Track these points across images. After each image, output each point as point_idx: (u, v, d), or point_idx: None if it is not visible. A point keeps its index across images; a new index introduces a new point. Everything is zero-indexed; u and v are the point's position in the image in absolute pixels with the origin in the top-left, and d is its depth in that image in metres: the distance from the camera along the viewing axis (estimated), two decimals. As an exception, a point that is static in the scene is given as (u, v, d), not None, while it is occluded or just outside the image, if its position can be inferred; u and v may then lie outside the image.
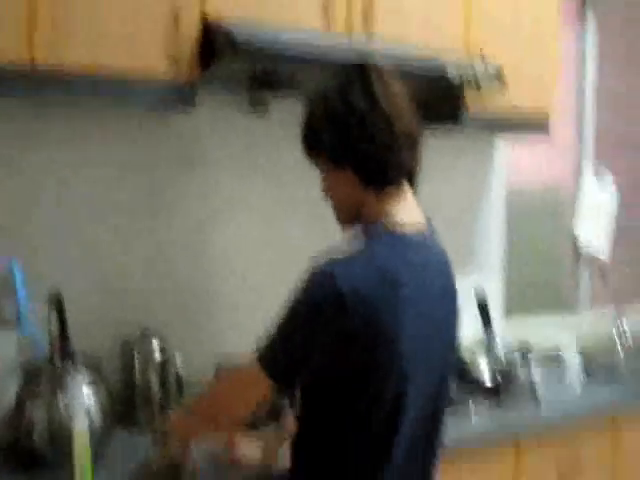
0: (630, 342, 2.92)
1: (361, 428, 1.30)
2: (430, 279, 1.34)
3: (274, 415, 1.80)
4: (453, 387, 1.49)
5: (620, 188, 3.14)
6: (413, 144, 1.34)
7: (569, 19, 3.06)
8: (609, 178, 3.13)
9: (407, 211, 1.35)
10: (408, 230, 1.32)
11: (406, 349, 1.27)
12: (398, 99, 1.32)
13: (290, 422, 1.62)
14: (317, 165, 1.39)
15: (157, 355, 1.88)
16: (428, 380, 1.34)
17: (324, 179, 1.40)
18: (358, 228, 1.35)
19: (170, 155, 2.08)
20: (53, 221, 1.92)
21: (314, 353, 1.27)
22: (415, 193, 1.39)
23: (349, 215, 1.39)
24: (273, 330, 1.31)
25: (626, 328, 2.94)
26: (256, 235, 2.24)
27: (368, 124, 1.28)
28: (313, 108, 1.36)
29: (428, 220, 1.40)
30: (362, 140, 1.29)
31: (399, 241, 1.31)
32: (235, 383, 1.44)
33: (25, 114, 1.85)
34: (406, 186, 1.36)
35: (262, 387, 1.32)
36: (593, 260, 3.16)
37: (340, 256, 1.26)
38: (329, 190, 1.40)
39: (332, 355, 1.26)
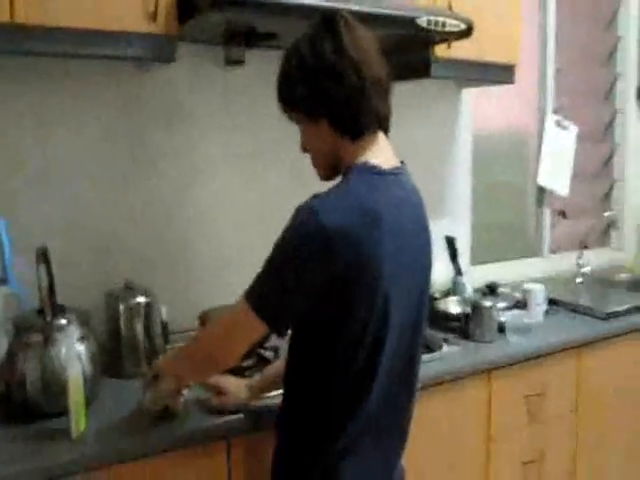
0: (589, 278, 3.09)
1: (343, 368, 1.33)
2: (406, 213, 1.37)
3: (259, 363, 1.88)
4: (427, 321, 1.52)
5: (579, 133, 3.24)
6: (383, 91, 1.37)
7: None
8: (569, 123, 3.21)
9: (382, 154, 1.38)
10: (383, 168, 1.36)
11: (386, 284, 1.30)
12: (366, 47, 1.34)
13: (273, 369, 1.67)
14: (293, 119, 1.42)
15: (142, 307, 1.92)
16: (406, 314, 1.38)
17: (301, 133, 1.43)
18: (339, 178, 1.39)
19: (151, 110, 2.11)
20: (37, 177, 1.95)
21: (302, 291, 1.28)
22: (387, 138, 1.43)
23: (328, 167, 1.43)
24: (261, 269, 1.33)
25: (586, 265, 3.10)
26: (238, 188, 2.29)
27: (337, 72, 1.30)
28: (286, 62, 1.39)
29: (402, 162, 1.44)
30: (332, 88, 1.31)
31: (376, 177, 1.34)
32: (224, 326, 1.43)
33: (6, 70, 1.86)
34: (380, 133, 1.40)
35: (252, 327, 1.32)
36: (554, 201, 3.27)
37: (322, 193, 1.30)
38: (307, 143, 1.43)
39: (317, 293, 1.28)
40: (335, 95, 1.32)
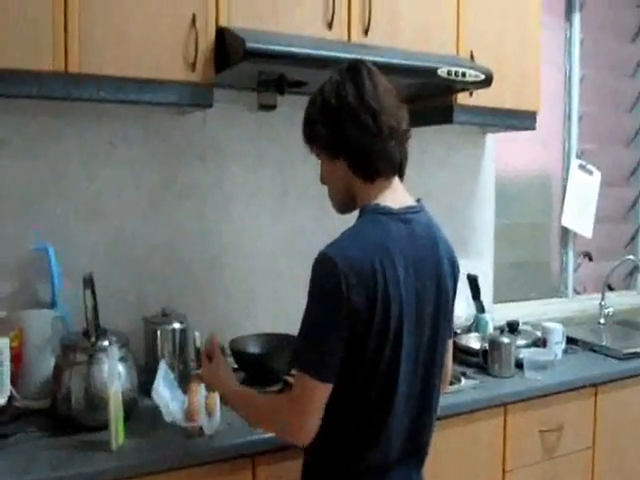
0: (611, 320, 3.14)
1: (362, 393, 1.41)
2: (418, 246, 1.45)
3: (286, 388, 2.00)
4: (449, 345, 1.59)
5: (605, 177, 3.33)
6: (400, 138, 1.47)
7: (555, 10, 3.23)
8: (593, 168, 3.31)
9: (393, 196, 1.47)
10: (395, 209, 1.45)
11: (399, 312, 1.38)
12: (385, 96, 1.45)
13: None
14: (314, 152, 1.55)
15: (177, 332, 2.05)
16: (420, 341, 1.45)
17: (321, 165, 1.56)
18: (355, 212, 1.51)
19: (188, 150, 2.29)
20: (85, 210, 2.13)
21: (339, 332, 1.35)
22: (402, 182, 1.53)
23: (342, 202, 1.55)
24: (301, 331, 1.40)
25: (610, 307, 3.16)
26: (266, 222, 2.44)
27: (356, 117, 1.41)
28: (312, 103, 1.52)
29: (418, 200, 1.54)
30: (351, 131, 1.42)
31: (384, 217, 1.43)
32: (294, 405, 1.42)
33: (57, 112, 2.05)
34: (395, 178, 1.49)
35: (323, 392, 1.38)
36: (580, 243, 3.35)
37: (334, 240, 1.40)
38: (325, 178, 1.56)
39: (347, 327, 1.35)
40: (353, 138, 1.44)
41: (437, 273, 1.50)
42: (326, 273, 1.36)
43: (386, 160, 1.46)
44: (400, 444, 1.48)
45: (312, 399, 1.39)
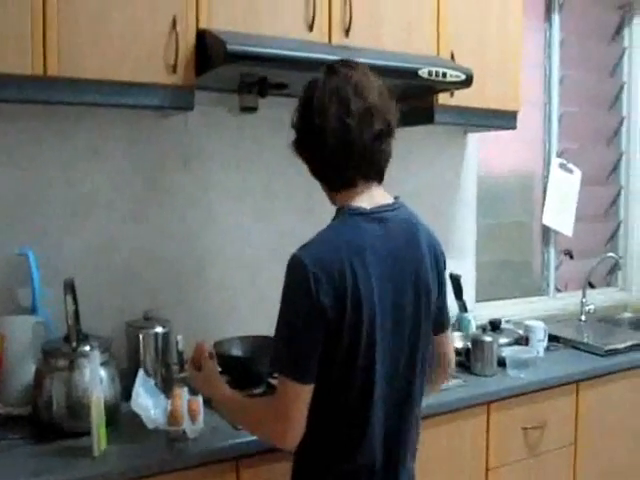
0: (593, 317, 3.18)
1: (340, 390, 1.42)
2: (393, 242, 1.46)
3: (269, 390, 1.99)
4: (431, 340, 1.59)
5: (586, 176, 3.36)
6: (376, 146, 1.45)
7: (535, 12, 3.24)
8: (573, 166, 3.33)
9: (366, 198, 1.48)
10: (367, 209, 1.46)
11: (372, 307, 1.39)
12: (370, 98, 1.44)
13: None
14: None
15: (159, 336, 2.05)
16: (397, 338, 1.46)
17: None
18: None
19: (169, 152, 2.27)
20: (64, 215, 2.11)
21: (313, 332, 1.37)
22: (381, 183, 1.53)
23: (331, 199, 1.56)
24: (277, 338, 1.41)
25: (591, 304, 3.19)
26: (249, 225, 2.43)
27: (321, 132, 1.42)
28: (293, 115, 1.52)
29: (396, 198, 1.54)
30: (315, 148, 1.46)
31: (357, 217, 1.44)
32: (276, 408, 1.43)
33: (35, 114, 2.02)
34: (370, 181, 1.49)
35: (304, 394, 1.39)
36: (561, 241, 3.38)
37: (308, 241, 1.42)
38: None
39: (320, 326, 1.36)
40: (317, 156, 1.48)
41: (415, 270, 1.49)
42: (296, 274, 1.38)
43: (349, 173, 1.47)
44: (384, 444, 1.48)
45: (294, 402, 1.39)
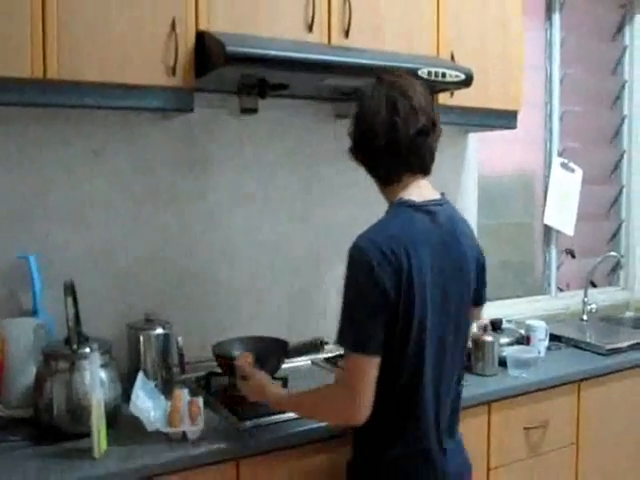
0: (595, 316, 3.17)
1: (393, 376, 1.51)
2: (440, 234, 1.57)
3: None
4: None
5: (587, 175, 3.35)
6: (421, 143, 1.58)
7: (536, 11, 3.24)
8: (574, 166, 3.33)
9: (416, 191, 1.60)
10: (418, 202, 1.57)
11: (423, 293, 1.49)
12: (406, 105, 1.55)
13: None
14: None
15: (160, 338, 2.05)
16: (447, 320, 1.57)
17: None
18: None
19: (170, 154, 2.27)
20: (66, 217, 2.11)
21: (377, 310, 1.46)
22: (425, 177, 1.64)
23: (384, 196, 1.67)
24: (343, 318, 1.50)
25: (593, 304, 3.19)
26: (249, 228, 2.42)
27: (374, 131, 1.55)
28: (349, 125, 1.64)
29: (442, 195, 1.66)
30: (368, 149, 1.59)
31: (408, 209, 1.56)
32: (348, 383, 1.51)
33: (36, 118, 2.03)
34: (417, 175, 1.61)
35: (370, 367, 1.47)
36: (562, 240, 3.37)
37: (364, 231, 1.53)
38: None
39: (380, 311, 1.46)
40: (369, 155, 1.60)
41: (460, 264, 1.61)
42: (357, 259, 1.48)
43: (398, 169, 1.60)
44: (435, 425, 1.58)
45: (363, 375, 1.47)
